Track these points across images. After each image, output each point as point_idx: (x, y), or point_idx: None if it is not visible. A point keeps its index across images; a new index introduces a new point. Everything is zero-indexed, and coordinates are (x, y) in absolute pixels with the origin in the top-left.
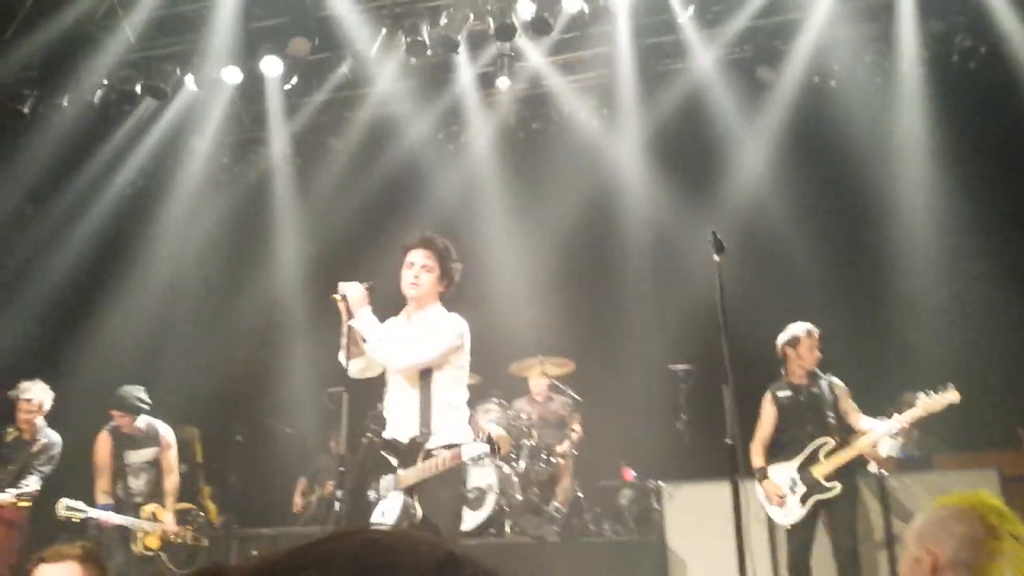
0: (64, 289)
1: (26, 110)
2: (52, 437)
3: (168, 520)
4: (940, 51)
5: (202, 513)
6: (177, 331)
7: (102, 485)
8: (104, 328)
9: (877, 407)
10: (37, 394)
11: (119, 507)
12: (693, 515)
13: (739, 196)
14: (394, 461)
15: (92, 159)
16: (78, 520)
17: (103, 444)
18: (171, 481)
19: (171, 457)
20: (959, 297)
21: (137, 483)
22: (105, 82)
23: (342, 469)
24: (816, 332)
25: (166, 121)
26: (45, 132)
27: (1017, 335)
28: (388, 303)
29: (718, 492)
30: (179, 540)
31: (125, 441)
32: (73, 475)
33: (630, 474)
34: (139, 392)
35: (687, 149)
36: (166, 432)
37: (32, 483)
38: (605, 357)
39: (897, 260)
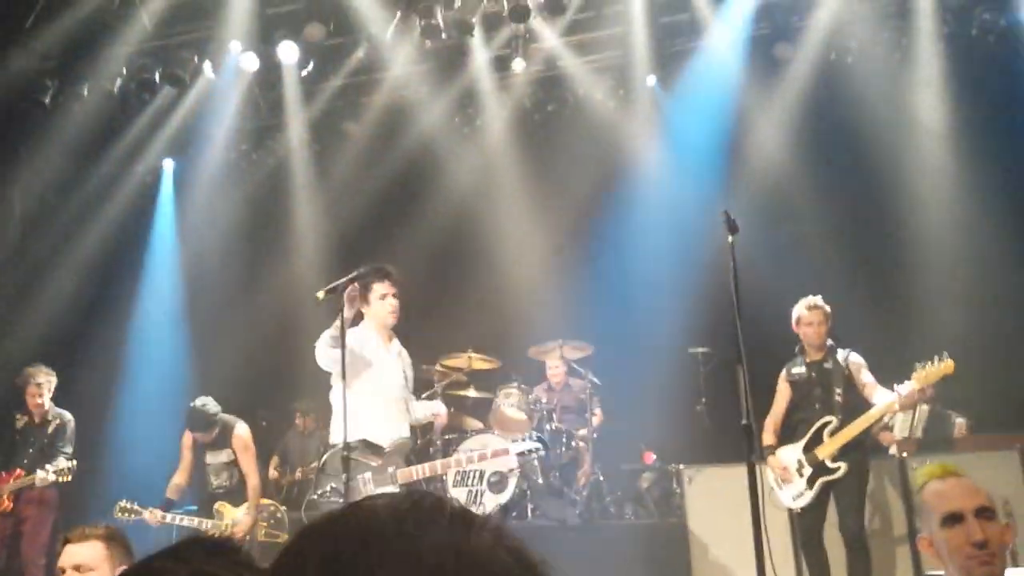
0: (87, 277)
1: (47, 100)
2: (64, 416)
3: (235, 517)
4: (958, 26)
5: (283, 508)
6: (200, 317)
7: (176, 479)
8: (127, 316)
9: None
10: (43, 378)
11: (201, 504)
12: (714, 497)
13: (755, 175)
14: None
15: (113, 148)
16: (132, 520)
17: (186, 441)
18: (250, 483)
19: (247, 460)
20: (980, 274)
21: (218, 480)
22: (124, 71)
23: (345, 454)
24: (820, 306)
25: (185, 109)
26: (66, 122)
27: None
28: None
29: (738, 474)
30: (247, 538)
31: (205, 442)
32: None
33: (651, 457)
34: (208, 406)
35: (703, 129)
36: (241, 433)
37: (61, 463)
38: (624, 341)
39: (915, 237)
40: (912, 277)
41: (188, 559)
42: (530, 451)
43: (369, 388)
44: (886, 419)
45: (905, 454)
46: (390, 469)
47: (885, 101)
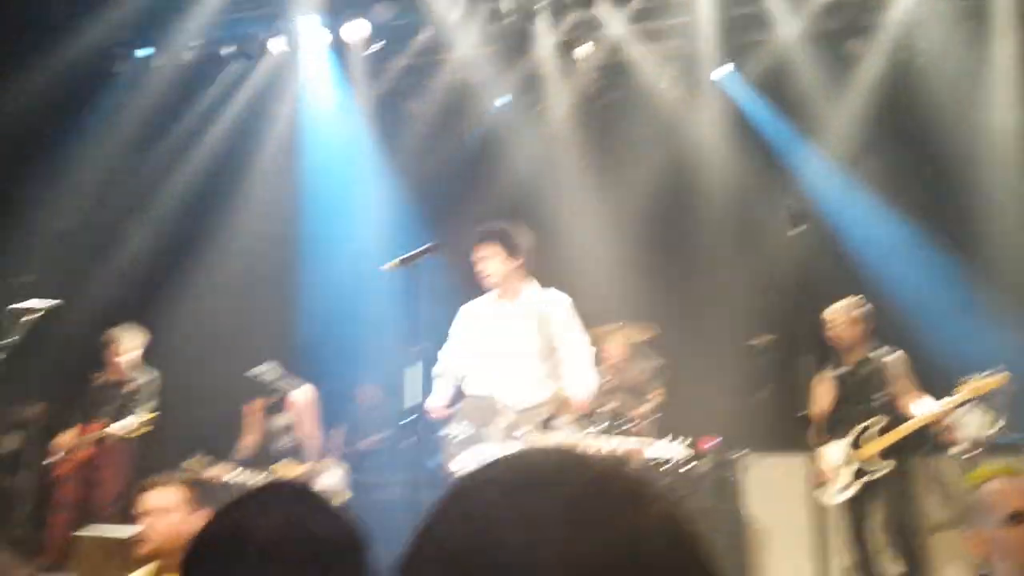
0: (157, 246)
1: (119, 69)
2: (147, 375)
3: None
4: None
5: (344, 466)
6: (267, 287)
7: (244, 441)
8: (195, 283)
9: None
10: (124, 338)
11: (259, 465)
12: (770, 486)
13: (820, 171)
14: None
15: (183, 119)
16: (197, 476)
17: (251, 405)
18: (310, 446)
19: (306, 421)
20: None
21: (278, 443)
22: (197, 43)
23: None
24: (855, 308)
25: (254, 82)
26: (138, 91)
27: None
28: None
29: (795, 464)
30: None
31: (268, 406)
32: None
33: (708, 443)
34: (270, 372)
35: (768, 122)
36: (299, 395)
37: (142, 416)
38: (685, 326)
39: (981, 245)
40: (974, 281)
41: (274, 508)
42: (663, 459)
43: (485, 352)
44: (953, 418)
45: (967, 455)
46: (520, 431)
47: (956, 105)
